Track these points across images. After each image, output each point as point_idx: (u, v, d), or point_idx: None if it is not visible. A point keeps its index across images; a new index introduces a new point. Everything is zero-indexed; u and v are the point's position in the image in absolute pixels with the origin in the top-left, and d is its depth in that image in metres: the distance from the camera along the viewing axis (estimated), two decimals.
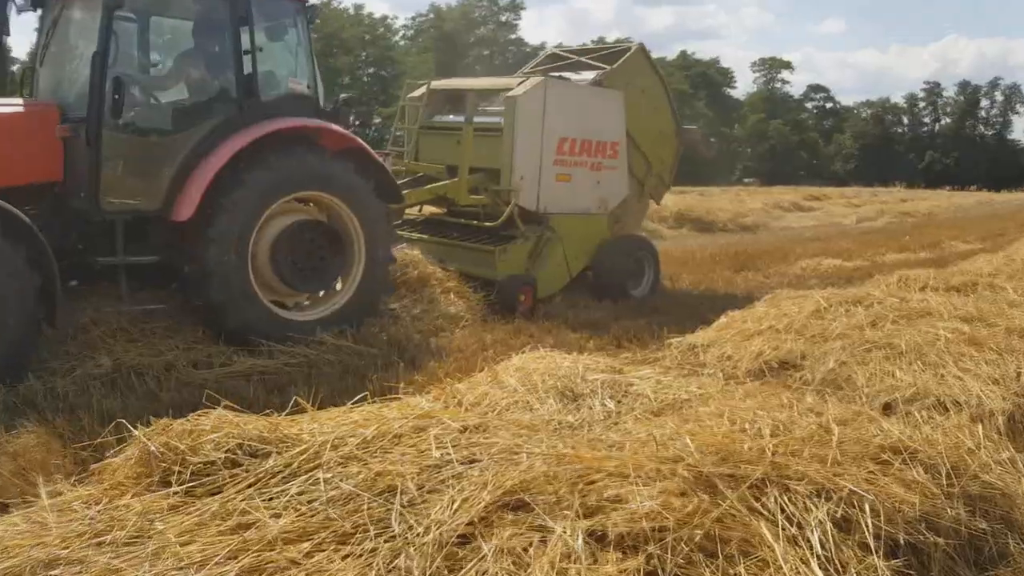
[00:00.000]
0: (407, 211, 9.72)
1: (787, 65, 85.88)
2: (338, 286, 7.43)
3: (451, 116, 9.63)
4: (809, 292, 7.52)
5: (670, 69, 75.26)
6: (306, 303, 7.41)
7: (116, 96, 6.04)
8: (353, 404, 3.70)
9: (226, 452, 3.00)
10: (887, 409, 4.94)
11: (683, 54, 79.54)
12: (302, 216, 7.11)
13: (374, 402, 3.71)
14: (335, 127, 7.30)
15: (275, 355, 6.63)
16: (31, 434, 4.74)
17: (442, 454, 2.94)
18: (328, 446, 2.98)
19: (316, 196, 7.18)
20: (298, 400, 3.71)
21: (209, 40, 7.07)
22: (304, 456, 2.94)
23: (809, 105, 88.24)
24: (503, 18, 70.51)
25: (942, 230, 21.23)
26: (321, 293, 7.45)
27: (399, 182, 9.51)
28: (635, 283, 10.01)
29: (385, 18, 74.65)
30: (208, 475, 2.96)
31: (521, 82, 9.23)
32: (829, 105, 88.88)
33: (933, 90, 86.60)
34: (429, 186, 9.23)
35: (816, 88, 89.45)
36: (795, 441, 3.29)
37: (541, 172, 9.08)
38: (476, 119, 9.14)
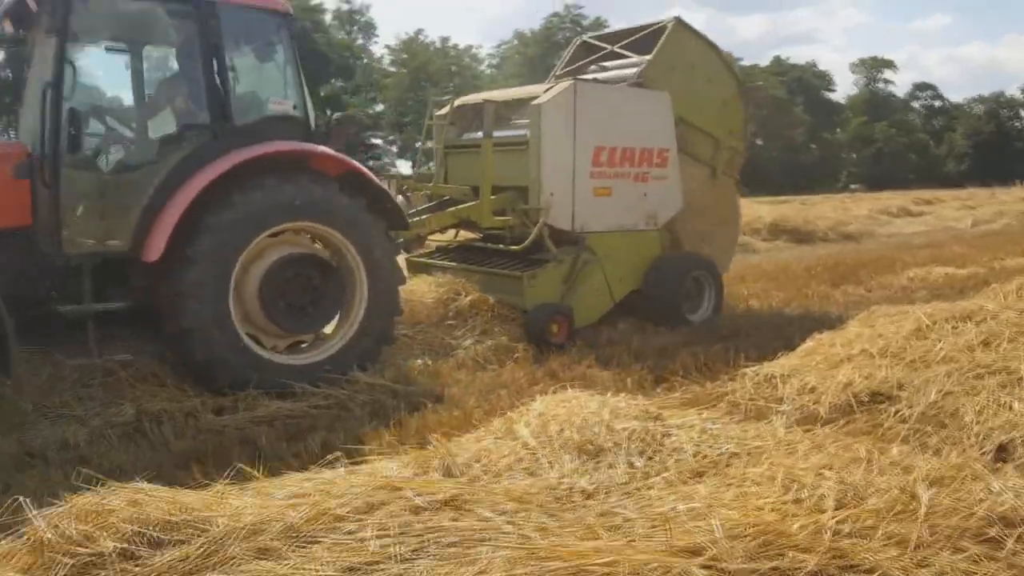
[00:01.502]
0: (436, 237, 9.10)
1: (889, 64, 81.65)
2: (330, 326, 6.86)
3: (480, 133, 8.95)
4: (910, 308, 6.49)
5: (764, 75, 73.22)
6: (304, 344, 6.83)
7: (72, 130, 5.66)
8: (317, 468, 3.07)
9: (122, 541, 2.41)
10: (1002, 452, 3.99)
11: (777, 59, 77.02)
12: (295, 250, 6.53)
13: (343, 466, 3.06)
14: (326, 150, 6.69)
15: (306, 396, 6.13)
16: None
17: (381, 546, 2.26)
18: (240, 535, 2.35)
19: (307, 227, 6.61)
20: (242, 468, 3.10)
21: (178, 64, 6.65)
22: (202, 549, 2.31)
23: (916, 105, 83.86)
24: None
25: None
26: (322, 332, 6.86)
27: (425, 206, 8.92)
28: (693, 306, 9.02)
29: (470, 48, 75.23)
30: (99, 569, 2.37)
31: (548, 88, 8.43)
32: (938, 103, 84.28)
33: None
34: (451, 209, 8.53)
35: (922, 86, 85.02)
36: (868, 514, 2.48)
37: (575, 187, 8.26)
38: (502, 133, 8.46)
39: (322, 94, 55.81)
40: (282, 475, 3.04)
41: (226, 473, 3.16)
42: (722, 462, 3.27)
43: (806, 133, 72.71)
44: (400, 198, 8.51)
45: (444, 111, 9.57)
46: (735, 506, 2.50)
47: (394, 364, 6.94)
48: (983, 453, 3.99)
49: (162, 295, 6.05)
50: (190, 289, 5.96)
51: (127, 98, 7.23)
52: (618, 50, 9.51)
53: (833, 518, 2.39)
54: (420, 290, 8.35)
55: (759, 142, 72.98)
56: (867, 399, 4.96)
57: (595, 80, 9.03)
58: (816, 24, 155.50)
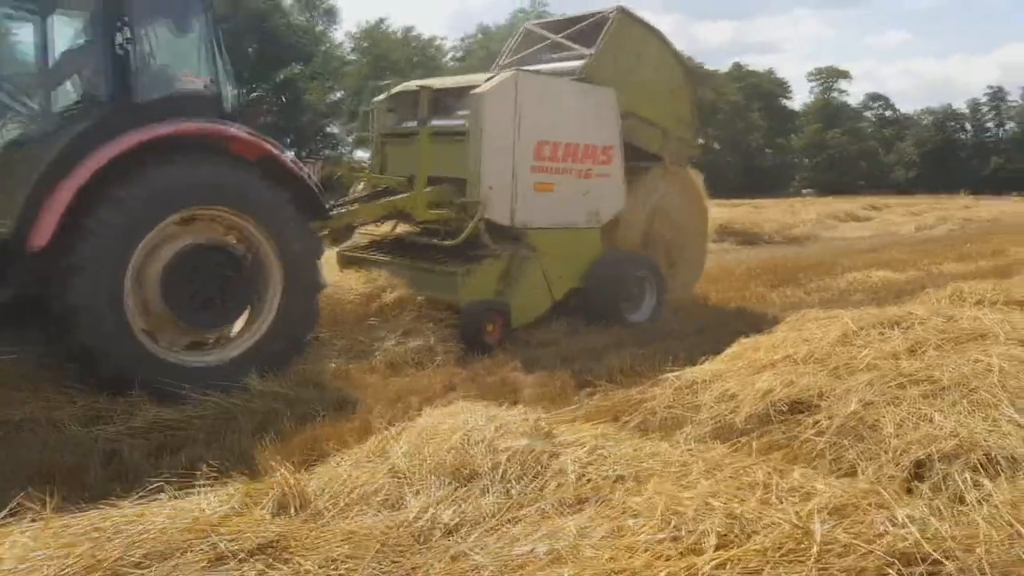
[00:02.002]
0: (371, 230, 8.72)
1: (844, 75, 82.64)
2: (240, 324, 6.45)
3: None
4: (840, 312, 6.29)
5: (722, 81, 73.67)
6: (212, 342, 6.40)
7: None
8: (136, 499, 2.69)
9: None
10: (920, 469, 3.77)
11: (736, 66, 77.45)
12: (203, 238, 6.12)
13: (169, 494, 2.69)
14: (236, 130, 6.26)
15: (193, 404, 5.69)
16: None
17: None
18: None
19: (215, 213, 6.18)
20: (22, 503, 2.69)
21: (81, 35, 6.19)
22: None
23: (868, 114, 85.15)
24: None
25: (1007, 237, 19.46)
26: (234, 329, 6.46)
27: (357, 196, 8.56)
28: (633, 306, 8.81)
29: (434, 39, 74.17)
30: None
31: (490, 77, 8.11)
32: (889, 113, 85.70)
33: (996, 95, 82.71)
34: (384, 200, 8.15)
35: (875, 96, 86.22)
36: (752, 554, 2.20)
37: (516, 181, 7.97)
38: (442, 122, 8.13)
39: (280, 78, 54.73)
40: (92, 507, 2.65)
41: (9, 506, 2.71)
42: (606, 487, 2.97)
43: (762, 138, 73.40)
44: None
45: (382, 97, 9.21)
46: (604, 545, 2.21)
47: (301, 368, 6.55)
48: (900, 469, 3.78)
49: (52, 275, 5.57)
50: (82, 263, 5.51)
51: (27, 69, 6.67)
52: (561, 40, 9.22)
53: (711, 560, 2.11)
54: (343, 285, 7.98)
55: (716, 146, 73.86)
56: (786, 408, 4.73)
57: (537, 72, 8.74)
58: (779, 34, 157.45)
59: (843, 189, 61.13)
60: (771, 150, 75.13)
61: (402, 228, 9.04)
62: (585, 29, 9.06)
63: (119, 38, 5.92)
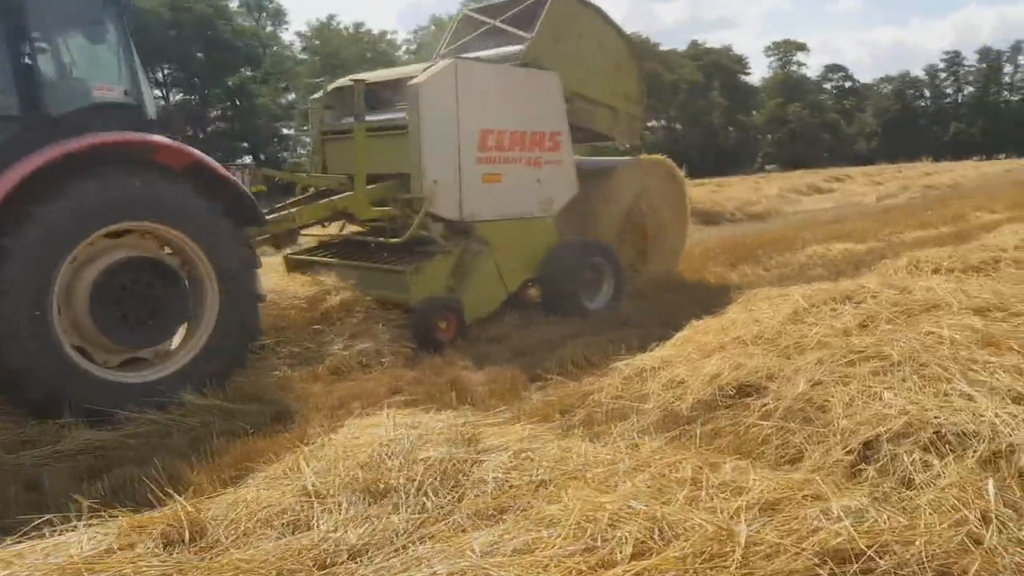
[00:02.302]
0: (315, 231, 8.46)
1: (802, 47, 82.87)
2: (178, 338, 6.19)
3: (368, 116, 8.31)
4: (791, 290, 6.15)
5: (680, 61, 73.64)
6: (150, 359, 6.09)
7: None
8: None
9: None
10: (868, 450, 3.61)
11: (694, 44, 77.47)
12: (133, 253, 5.83)
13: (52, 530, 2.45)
14: (161, 139, 5.98)
15: (128, 423, 5.43)
16: None
17: None
18: None
19: (150, 228, 5.90)
20: None
21: None
22: None
23: (827, 86, 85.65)
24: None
25: (966, 202, 19.53)
26: (173, 344, 6.20)
27: (302, 197, 8.30)
28: (590, 294, 8.63)
29: (385, 34, 73.32)
30: None
31: (427, 67, 7.87)
32: (848, 84, 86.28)
33: (954, 60, 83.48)
34: (325, 200, 7.85)
35: (834, 68, 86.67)
36: (670, 563, 2.00)
37: (461, 173, 7.74)
38: (381, 116, 7.89)
39: (230, 84, 53.94)
40: None
41: None
42: (527, 495, 2.77)
43: (723, 116, 73.59)
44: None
45: (319, 95, 8.92)
46: (512, 563, 2.01)
47: (242, 380, 6.29)
48: (847, 452, 3.62)
49: None
50: (3, 287, 5.23)
51: None
52: (500, 24, 8.98)
53: (624, 573, 1.91)
54: (288, 290, 7.71)
55: (678, 127, 73.93)
56: (734, 392, 4.57)
57: (477, 59, 8.51)
58: (736, 10, 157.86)
59: (806, 163, 61.44)
60: (733, 128, 75.38)
61: (351, 228, 8.79)
62: (522, 12, 8.82)
63: (25, 49, 5.63)
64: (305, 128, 58.48)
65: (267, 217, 7.37)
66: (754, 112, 77.61)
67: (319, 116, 8.63)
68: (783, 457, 3.72)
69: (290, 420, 5.49)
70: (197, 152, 6.10)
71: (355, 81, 7.74)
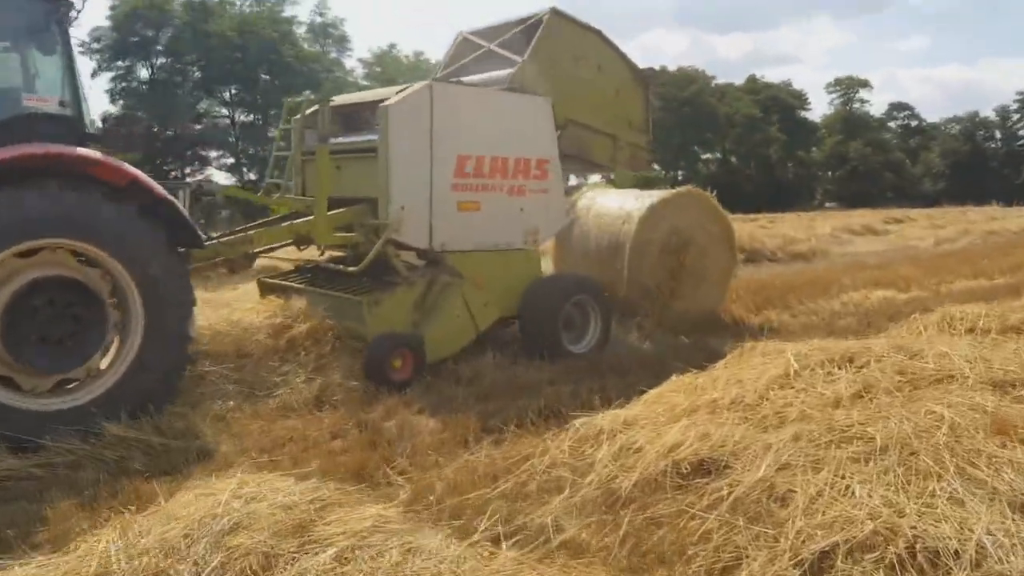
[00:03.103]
0: (287, 254, 7.94)
1: (865, 84, 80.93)
2: (105, 363, 5.72)
3: (343, 138, 7.79)
4: (786, 346, 5.41)
5: (737, 94, 72.51)
6: (70, 386, 5.66)
7: None
8: None
9: None
10: (823, 562, 2.90)
11: (752, 78, 76.30)
12: (44, 272, 5.38)
13: None
14: (91, 153, 5.55)
15: (39, 452, 5.01)
16: None
17: None
18: None
19: (65, 245, 5.44)
20: None
21: None
22: None
23: (892, 124, 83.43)
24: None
25: None
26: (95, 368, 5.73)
27: (264, 220, 7.80)
28: (576, 336, 7.92)
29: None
30: None
31: (401, 89, 7.33)
32: (914, 123, 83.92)
33: None
34: (286, 224, 7.32)
35: (899, 106, 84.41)
36: None
37: (433, 200, 7.15)
38: (356, 138, 7.38)
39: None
40: None
41: None
42: None
43: (781, 151, 72.12)
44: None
45: (300, 116, 8.39)
46: None
47: (183, 409, 5.80)
48: (796, 563, 2.91)
49: None
50: None
51: None
52: (495, 48, 8.43)
53: None
54: (249, 317, 7.23)
55: (733, 160, 72.61)
56: (689, 470, 3.87)
57: (458, 81, 7.97)
58: (798, 44, 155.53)
59: (869, 202, 59.67)
60: (791, 163, 73.83)
61: (330, 253, 8.28)
62: (518, 35, 8.29)
63: None
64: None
65: (224, 240, 6.91)
66: (813, 148, 75.90)
67: (300, 136, 8.15)
68: (716, 563, 3.02)
69: (209, 461, 4.96)
70: (132, 169, 5.68)
71: (320, 102, 7.24)
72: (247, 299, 8.05)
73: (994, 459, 3.38)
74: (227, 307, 7.77)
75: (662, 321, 9.29)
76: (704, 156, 74.32)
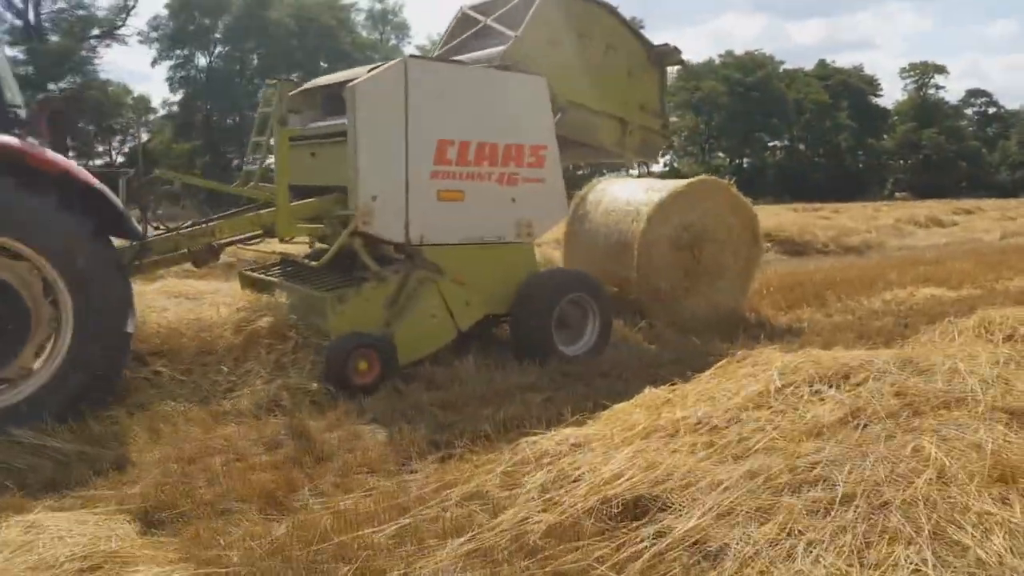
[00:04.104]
0: (272, 246, 7.43)
1: (941, 70, 77.49)
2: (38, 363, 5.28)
3: (321, 122, 7.21)
4: (772, 357, 4.68)
5: (806, 79, 70.08)
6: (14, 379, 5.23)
7: None
8: None
9: None
10: None
11: (822, 63, 73.76)
12: None
13: None
14: (10, 141, 5.06)
15: None
16: None
17: None
18: None
19: None
20: None
21: None
22: None
23: (969, 111, 79.79)
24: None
25: None
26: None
27: (235, 210, 7.28)
28: (572, 336, 7.22)
29: None
30: None
31: (375, 67, 6.66)
32: (992, 111, 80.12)
33: None
34: (250, 215, 6.74)
35: (976, 92, 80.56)
36: None
37: (409, 189, 6.52)
38: (330, 122, 6.82)
39: None
40: None
41: None
42: None
43: (851, 139, 69.60)
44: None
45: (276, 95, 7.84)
46: None
47: (115, 412, 5.36)
48: None
49: None
50: None
51: None
52: (491, 23, 7.76)
53: None
54: (213, 313, 6.77)
55: (801, 147, 70.27)
56: (620, 511, 3.23)
57: (441, 58, 7.33)
58: (875, 30, 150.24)
59: (941, 192, 57.13)
60: (862, 151, 71.21)
61: (320, 244, 7.74)
62: (518, 8, 7.58)
63: None
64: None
65: (184, 231, 6.44)
66: (885, 136, 73.08)
67: (283, 121, 7.60)
68: None
69: (120, 472, 4.51)
70: (57, 157, 5.21)
71: (278, 82, 6.64)
72: (221, 293, 7.58)
73: (985, 518, 2.66)
74: (195, 301, 7.31)
75: (675, 321, 8.59)
76: (771, 143, 72.10)
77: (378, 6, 63.32)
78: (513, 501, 3.51)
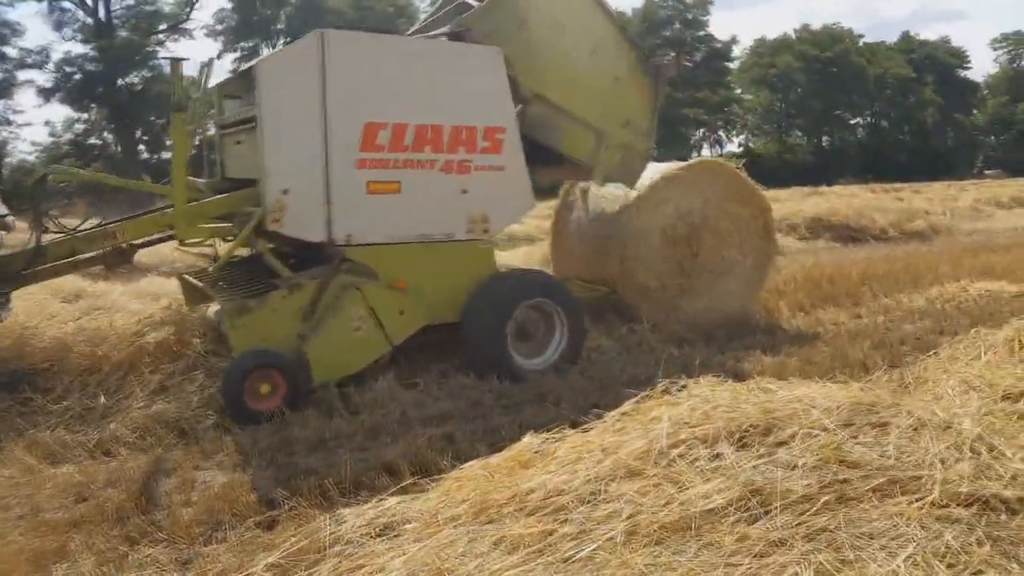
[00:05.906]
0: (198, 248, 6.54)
1: None
2: None
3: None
4: (679, 400, 3.55)
5: (888, 53, 66.26)
6: None
7: None
8: None
9: None
10: None
11: (905, 35, 69.67)
12: None
13: None
14: None
15: None
16: None
17: None
18: None
19: None
20: None
21: None
22: None
23: None
24: (689, 16, 64.05)
25: None
26: None
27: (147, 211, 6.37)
28: (533, 349, 6.21)
29: None
30: None
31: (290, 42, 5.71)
32: None
33: None
34: (154, 214, 5.86)
35: None
36: None
37: (330, 181, 5.55)
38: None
39: None
40: None
41: None
42: None
43: (937, 114, 65.63)
44: None
45: (218, 82, 6.97)
46: None
47: None
48: None
49: None
50: None
51: None
52: (470, 2, 6.71)
53: None
54: (103, 325, 5.99)
55: (884, 124, 66.59)
56: None
57: (364, 30, 6.31)
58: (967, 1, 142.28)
59: None
60: (949, 127, 67.11)
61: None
62: None
63: None
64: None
65: (80, 234, 5.62)
66: (975, 111, 68.70)
67: (218, 107, 6.75)
68: None
69: None
70: None
71: (173, 60, 5.68)
72: (132, 300, 6.81)
73: None
74: (101, 310, 6.55)
75: (667, 325, 7.44)
76: (852, 121, 68.51)
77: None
78: None
